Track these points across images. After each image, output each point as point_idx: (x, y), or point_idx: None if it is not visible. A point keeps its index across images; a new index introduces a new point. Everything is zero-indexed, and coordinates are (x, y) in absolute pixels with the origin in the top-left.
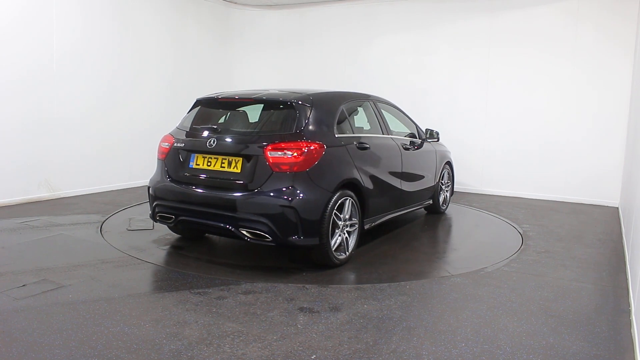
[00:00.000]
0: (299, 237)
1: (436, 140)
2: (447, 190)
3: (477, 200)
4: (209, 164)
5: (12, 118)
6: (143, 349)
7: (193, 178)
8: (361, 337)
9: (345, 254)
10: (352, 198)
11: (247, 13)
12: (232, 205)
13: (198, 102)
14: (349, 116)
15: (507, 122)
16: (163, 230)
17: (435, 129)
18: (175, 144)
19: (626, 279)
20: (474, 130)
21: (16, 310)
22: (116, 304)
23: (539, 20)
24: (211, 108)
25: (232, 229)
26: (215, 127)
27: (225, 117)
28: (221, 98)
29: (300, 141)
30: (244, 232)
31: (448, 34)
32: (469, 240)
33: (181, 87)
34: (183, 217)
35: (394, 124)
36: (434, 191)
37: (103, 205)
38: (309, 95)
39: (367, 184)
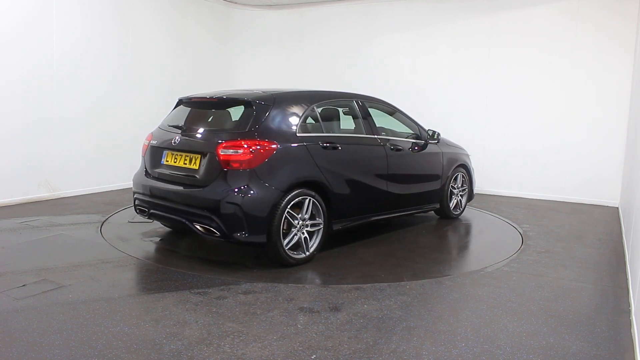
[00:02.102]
0: (244, 234)
1: (436, 141)
2: (460, 195)
3: (477, 200)
4: (175, 160)
5: (12, 118)
6: (143, 349)
7: (163, 174)
8: (361, 337)
9: (305, 253)
10: (314, 198)
11: (247, 13)
12: (188, 200)
13: (179, 102)
14: (323, 116)
15: (506, 122)
16: (158, 225)
17: (436, 129)
18: (152, 141)
19: (626, 279)
20: (474, 130)
21: (16, 310)
22: (116, 304)
23: (539, 20)
24: (187, 107)
25: (188, 223)
26: (181, 125)
27: (195, 116)
28: (194, 97)
29: (251, 139)
30: (198, 227)
31: (448, 34)
32: (469, 240)
33: (181, 87)
34: (153, 211)
35: (391, 124)
36: (441, 195)
37: (103, 205)
38: (272, 94)
39: (335, 184)
